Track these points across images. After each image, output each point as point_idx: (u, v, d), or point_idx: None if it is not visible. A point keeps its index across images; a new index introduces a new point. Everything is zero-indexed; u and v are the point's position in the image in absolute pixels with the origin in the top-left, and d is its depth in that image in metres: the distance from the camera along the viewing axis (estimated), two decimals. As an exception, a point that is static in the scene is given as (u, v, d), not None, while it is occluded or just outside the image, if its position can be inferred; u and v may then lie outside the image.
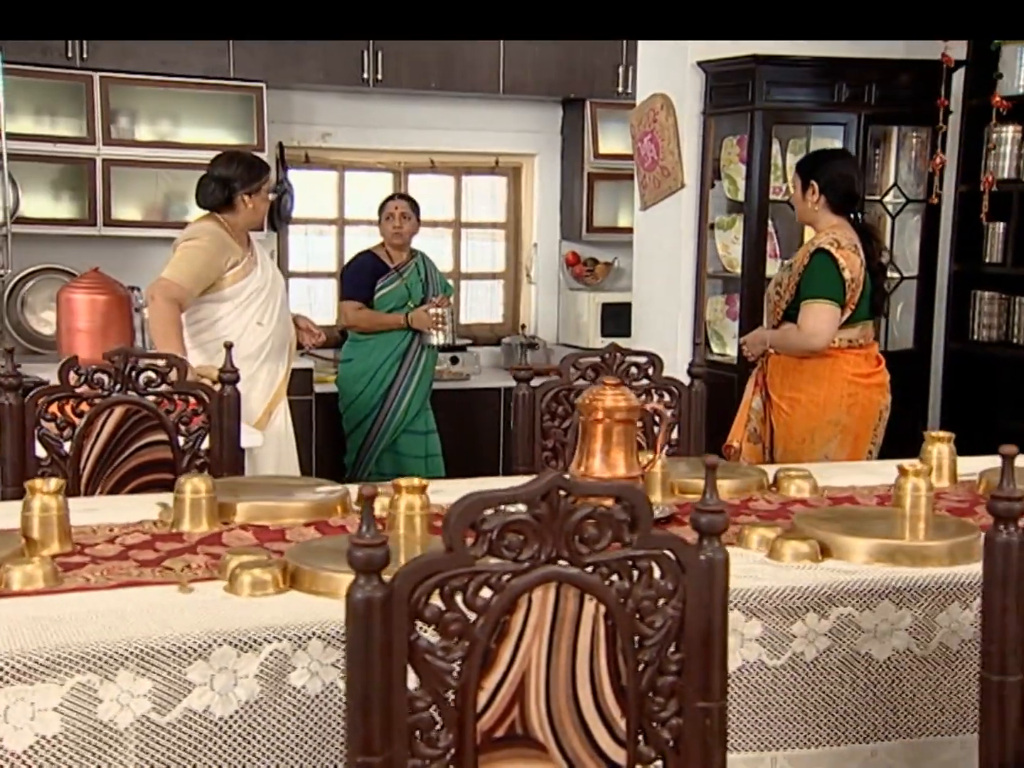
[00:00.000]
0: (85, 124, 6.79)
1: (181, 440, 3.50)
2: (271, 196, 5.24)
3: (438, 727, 1.87)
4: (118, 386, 3.42)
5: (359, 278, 6.62)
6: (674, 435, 3.91)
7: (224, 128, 7.13)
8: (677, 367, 6.27)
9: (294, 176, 7.53)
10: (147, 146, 6.92)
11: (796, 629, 2.43)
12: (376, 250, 6.66)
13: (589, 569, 1.94)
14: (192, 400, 3.51)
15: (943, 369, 6.55)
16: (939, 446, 3.39)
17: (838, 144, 6.13)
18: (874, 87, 6.08)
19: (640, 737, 2.00)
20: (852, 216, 4.96)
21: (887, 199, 6.31)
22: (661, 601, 1.99)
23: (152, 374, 3.45)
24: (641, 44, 6.63)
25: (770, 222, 6.10)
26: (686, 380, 6.26)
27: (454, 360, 7.41)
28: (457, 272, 8.08)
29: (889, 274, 6.26)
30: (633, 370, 3.87)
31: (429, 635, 1.85)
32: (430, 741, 1.87)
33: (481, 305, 8.15)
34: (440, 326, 6.52)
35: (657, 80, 6.46)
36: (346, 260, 7.02)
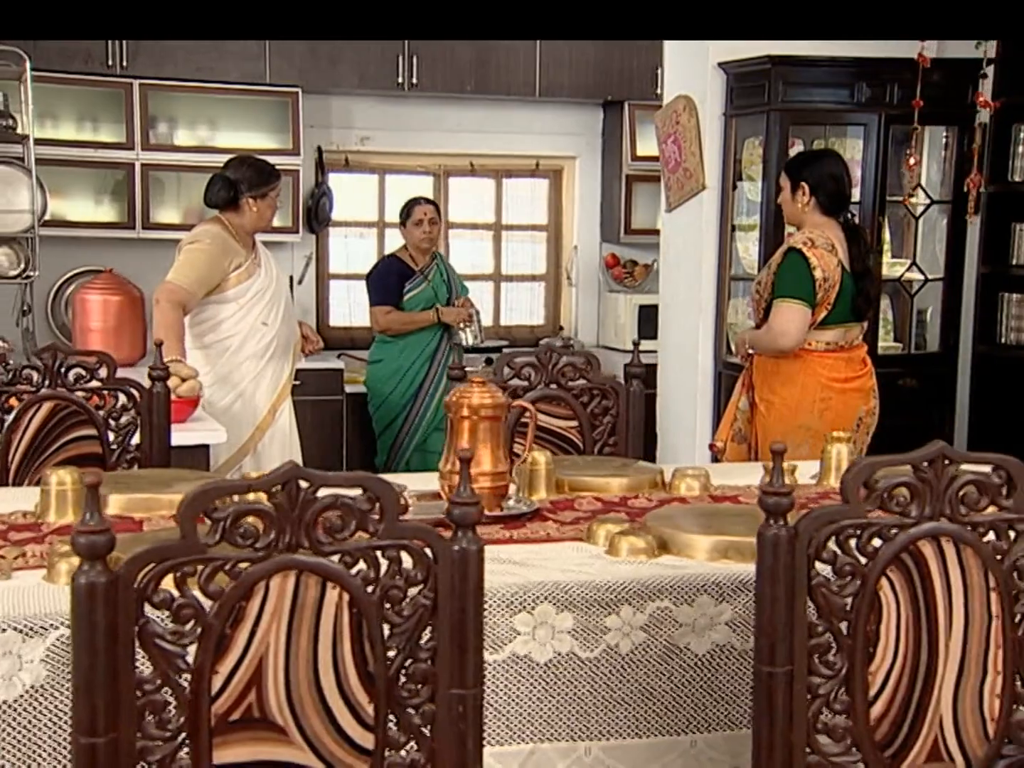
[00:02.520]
0: (125, 130, 6.97)
1: (111, 435, 3.60)
2: (279, 204, 5.29)
3: (170, 709, 1.93)
4: (47, 382, 3.53)
5: (388, 282, 6.67)
6: (612, 436, 3.92)
7: (260, 132, 7.28)
8: (698, 369, 6.32)
9: (334, 179, 7.65)
10: (185, 151, 7.10)
11: (610, 622, 2.46)
12: (400, 254, 6.73)
13: (335, 558, 1.98)
14: (122, 396, 3.60)
15: (970, 372, 6.44)
16: (838, 446, 3.37)
17: (859, 145, 6.08)
18: (896, 87, 6.01)
19: (392, 722, 2.04)
20: (841, 217, 4.92)
21: (911, 200, 6.22)
22: (412, 590, 2.03)
23: (82, 370, 3.55)
24: (667, 45, 6.63)
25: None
26: (707, 381, 6.33)
27: (488, 361, 7.46)
28: (498, 274, 8.14)
29: (914, 276, 6.22)
30: (572, 369, 3.88)
31: (163, 620, 1.91)
32: (161, 723, 1.93)
33: (522, 307, 8.20)
34: (469, 324, 6.61)
35: (681, 81, 6.47)
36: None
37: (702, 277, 6.35)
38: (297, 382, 6.50)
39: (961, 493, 2.15)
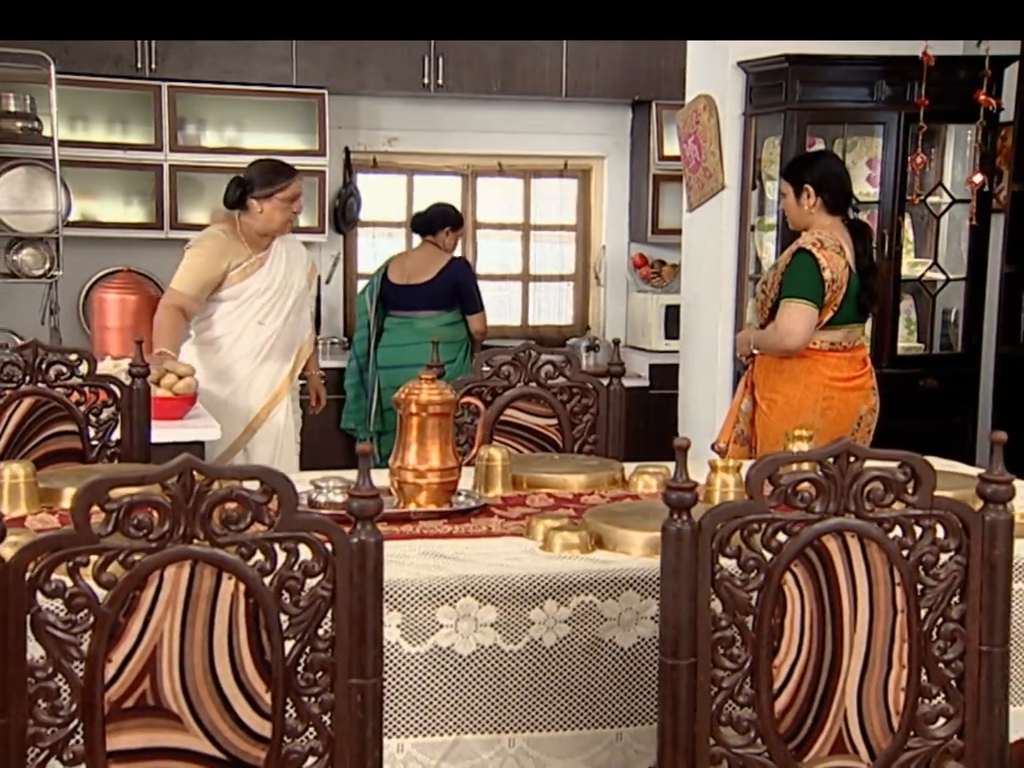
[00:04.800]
0: (153, 132, 7.07)
1: (91, 431, 3.66)
2: (296, 207, 5.26)
3: (63, 696, 1.97)
4: (27, 378, 3.59)
5: None
6: (592, 434, 3.93)
7: (287, 134, 7.35)
8: (718, 369, 6.30)
9: (363, 180, 7.71)
10: (213, 152, 7.18)
11: (534, 616, 2.47)
12: None
13: (232, 548, 2.02)
14: (102, 392, 3.66)
15: (994, 373, 6.38)
16: (799, 444, 3.37)
17: (879, 143, 6.05)
18: (916, 85, 5.95)
19: (291, 710, 2.07)
20: (846, 215, 4.90)
21: (931, 200, 6.17)
22: (310, 581, 2.06)
23: (62, 367, 3.61)
24: (689, 45, 6.62)
25: (804, 223, 6.02)
26: (726, 381, 6.31)
27: (514, 361, 7.49)
28: (526, 274, 8.16)
29: (936, 276, 6.17)
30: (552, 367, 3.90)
31: (56, 609, 1.96)
32: (53, 709, 1.97)
33: (550, 307, 8.22)
34: None
35: (702, 81, 6.46)
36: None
37: (721, 277, 6.34)
38: (320, 381, 6.58)
39: (867, 489, 2.15)
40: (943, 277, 6.21)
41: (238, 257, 5.07)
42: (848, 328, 4.77)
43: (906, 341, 6.27)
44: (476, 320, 6.70)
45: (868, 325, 5.50)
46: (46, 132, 6.41)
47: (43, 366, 3.61)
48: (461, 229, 6.83)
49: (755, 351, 4.92)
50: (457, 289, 6.68)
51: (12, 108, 6.39)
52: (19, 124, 6.37)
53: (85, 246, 6.97)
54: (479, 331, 6.72)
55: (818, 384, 4.71)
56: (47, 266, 6.41)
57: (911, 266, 6.16)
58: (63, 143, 6.49)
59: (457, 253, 6.93)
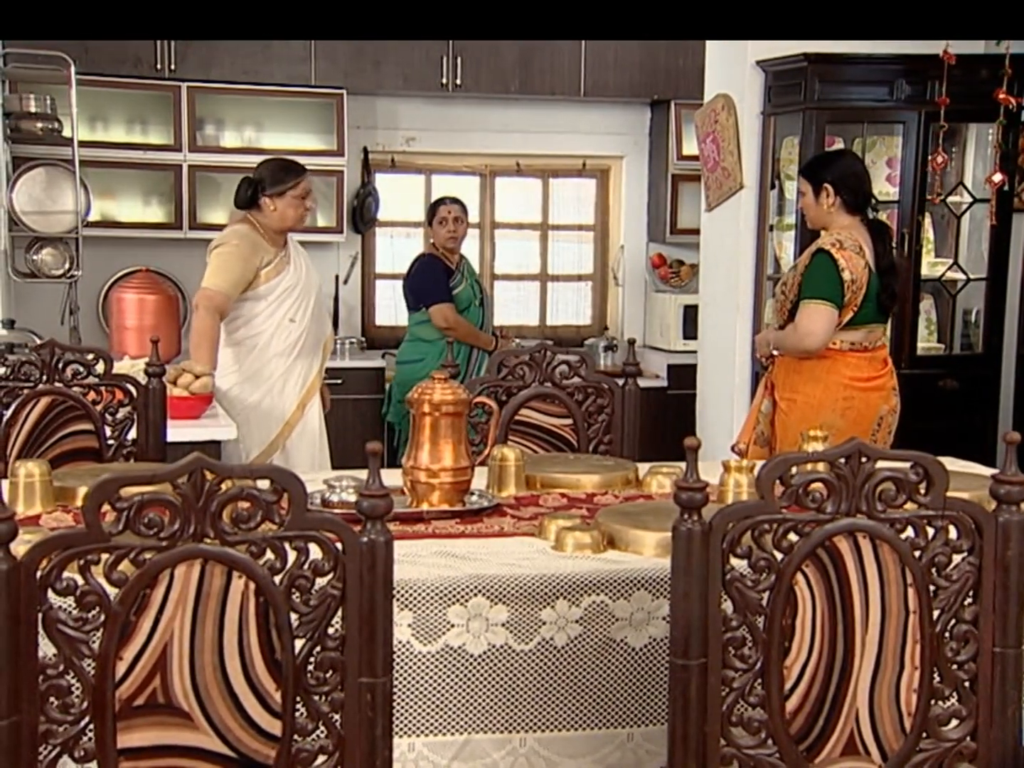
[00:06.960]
0: (173, 132, 7.09)
1: (108, 430, 3.67)
2: (309, 202, 5.30)
3: (74, 694, 1.98)
4: (44, 377, 3.60)
5: (439, 279, 6.48)
6: (607, 434, 3.93)
7: (306, 134, 7.36)
8: (735, 369, 6.29)
9: (381, 180, 7.72)
10: (232, 152, 7.19)
11: (545, 615, 2.47)
12: (434, 252, 6.56)
13: (242, 547, 2.02)
14: (119, 392, 3.67)
15: (1015, 374, 6.35)
16: (815, 445, 3.36)
17: (899, 142, 6.02)
18: (936, 84, 5.92)
19: (301, 709, 2.07)
20: (865, 214, 4.88)
21: (952, 199, 6.14)
22: (320, 580, 2.06)
23: (79, 366, 3.62)
24: (708, 44, 6.60)
25: (823, 222, 5.99)
26: (744, 381, 6.30)
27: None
28: (544, 274, 8.16)
29: (956, 276, 6.14)
30: (564, 368, 3.90)
31: (67, 607, 1.96)
32: (64, 707, 1.98)
33: (568, 307, 8.21)
34: None
35: (721, 80, 6.44)
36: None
37: (739, 277, 6.31)
38: (339, 380, 6.63)
39: (879, 490, 2.14)
40: (963, 277, 6.18)
41: (267, 255, 5.09)
42: (868, 328, 4.75)
43: (926, 341, 6.24)
44: (432, 314, 6.39)
45: (888, 325, 5.47)
46: (66, 132, 6.43)
47: (60, 365, 3.63)
48: (435, 217, 6.52)
49: (775, 352, 4.91)
50: (405, 289, 6.59)
51: (32, 109, 6.41)
52: (39, 125, 6.39)
53: (104, 246, 7.00)
54: (437, 325, 6.37)
55: (838, 384, 4.69)
56: (67, 266, 6.43)
57: (931, 266, 6.14)
58: (83, 143, 6.52)
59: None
